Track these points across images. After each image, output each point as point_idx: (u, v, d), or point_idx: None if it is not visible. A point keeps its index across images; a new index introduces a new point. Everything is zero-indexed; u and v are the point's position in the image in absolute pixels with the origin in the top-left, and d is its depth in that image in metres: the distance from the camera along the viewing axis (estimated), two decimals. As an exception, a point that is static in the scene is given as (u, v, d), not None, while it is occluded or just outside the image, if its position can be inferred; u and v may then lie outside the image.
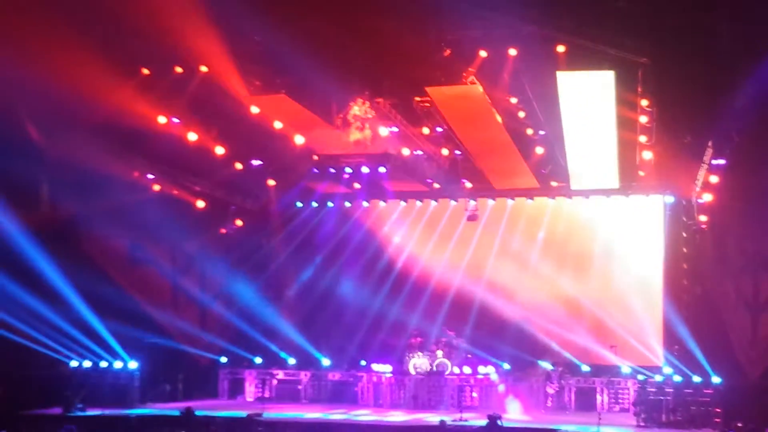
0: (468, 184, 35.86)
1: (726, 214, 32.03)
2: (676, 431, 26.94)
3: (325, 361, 36.08)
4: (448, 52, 26.40)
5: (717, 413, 28.43)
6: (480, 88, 26.74)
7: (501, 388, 32.67)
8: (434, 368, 33.43)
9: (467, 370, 33.33)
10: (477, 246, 36.08)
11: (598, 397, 32.33)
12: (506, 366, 33.47)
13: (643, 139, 29.67)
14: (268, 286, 38.22)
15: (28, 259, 29.70)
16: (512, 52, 26.05)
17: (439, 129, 31.82)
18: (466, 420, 28.63)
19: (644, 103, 27.95)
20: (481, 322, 34.86)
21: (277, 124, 30.99)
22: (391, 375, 33.99)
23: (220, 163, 34.08)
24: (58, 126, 27.98)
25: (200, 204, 36.32)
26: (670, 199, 33.69)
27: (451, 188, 36.14)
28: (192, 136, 31.65)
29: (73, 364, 32.81)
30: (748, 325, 32.70)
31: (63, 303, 31.19)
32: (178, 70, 28.13)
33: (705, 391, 29.03)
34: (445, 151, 33.81)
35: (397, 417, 30.46)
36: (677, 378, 29.58)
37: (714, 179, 30.54)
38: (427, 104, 29.55)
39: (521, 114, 29.72)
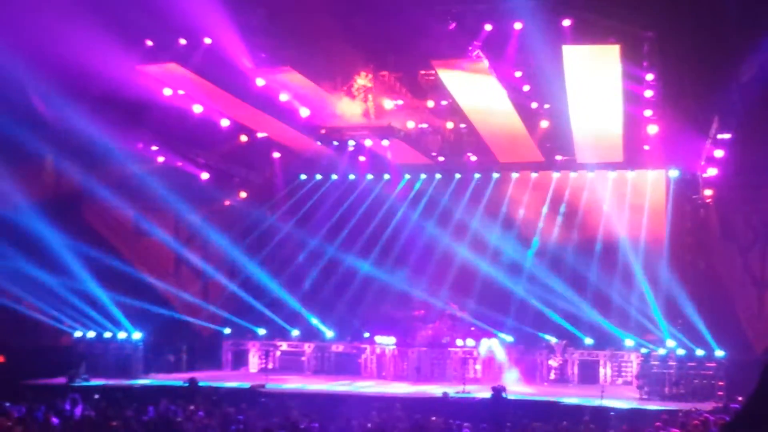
0: (472, 157, 35.82)
1: (732, 189, 32.00)
2: (679, 404, 26.91)
3: (329, 333, 36.14)
4: (453, 25, 26.30)
5: (720, 386, 28.51)
6: (485, 62, 26.64)
7: (501, 358, 32.82)
8: None
9: (470, 342, 33.40)
10: (481, 219, 36.02)
11: (601, 370, 32.42)
12: (510, 339, 33.51)
13: (648, 113, 29.58)
14: (272, 258, 38.27)
15: (32, 231, 29.74)
16: (518, 25, 25.94)
17: (444, 102, 31.77)
18: (469, 392, 28.74)
19: (650, 77, 27.82)
20: (485, 295, 34.83)
21: (283, 97, 30.93)
22: (394, 347, 34.09)
23: (225, 135, 34.12)
24: (63, 98, 27.95)
25: (204, 176, 36.41)
26: (674, 173, 33.64)
27: (456, 161, 36.08)
28: (197, 109, 31.66)
29: (78, 334, 32.92)
30: (755, 300, 32.72)
31: (67, 274, 31.26)
32: (183, 41, 28.06)
33: (708, 364, 29.13)
34: (449, 125, 33.77)
35: (400, 388, 30.57)
36: (680, 351, 29.62)
37: (719, 153, 30.46)
38: (432, 77, 29.49)
39: (526, 88, 29.66)
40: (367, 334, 35.25)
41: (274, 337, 36.19)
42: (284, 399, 27.45)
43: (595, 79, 26.66)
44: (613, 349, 32.69)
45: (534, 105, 30.94)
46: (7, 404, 22.96)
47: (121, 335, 33.00)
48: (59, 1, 23.40)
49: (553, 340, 33.14)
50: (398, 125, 32.36)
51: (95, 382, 30.46)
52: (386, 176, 37.66)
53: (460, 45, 26.34)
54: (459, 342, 33.54)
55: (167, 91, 30.52)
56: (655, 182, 34.31)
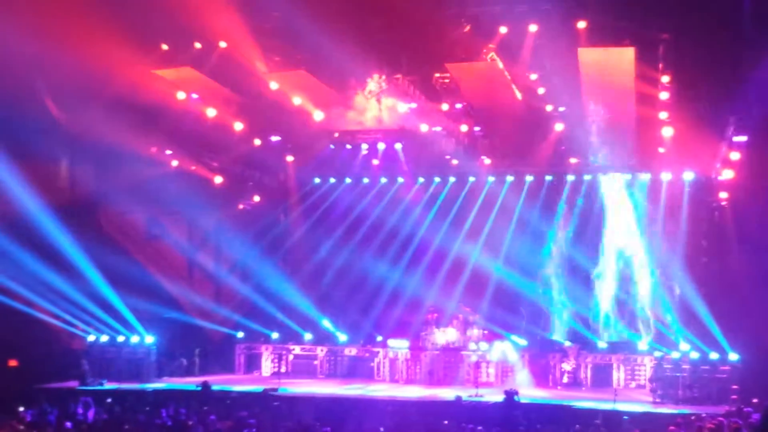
0: (486, 161, 35.77)
1: (747, 192, 31.76)
2: (693, 407, 26.80)
3: (342, 337, 36.09)
4: (468, 28, 26.29)
5: (734, 390, 28.33)
6: (500, 64, 26.62)
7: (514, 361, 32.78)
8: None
9: (483, 346, 33.31)
10: (494, 222, 35.93)
11: (615, 374, 32.26)
12: (523, 342, 33.41)
13: (663, 115, 29.47)
14: (285, 262, 38.31)
15: (46, 234, 29.81)
16: (532, 28, 25.91)
17: (458, 105, 31.69)
18: (482, 396, 28.67)
19: (665, 79, 27.75)
20: (498, 298, 34.78)
21: (296, 100, 30.99)
22: (407, 350, 34.03)
23: (238, 138, 34.16)
24: (77, 102, 28.03)
25: (218, 179, 36.47)
26: (690, 176, 33.48)
27: (470, 164, 36.01)
28: (211, 112, 31.71)
29: (91, 338, 32.94)
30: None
31: (81, 278, 31.31)
32: (197, 45, 28.11)
33: (722, 367, 28.96)
34: (464, 128, 33.69)
35: (413, 392, 30.47)
36: (694, 355, 29.49)
37: (735, 156, 30.31)
38: (447, 80, 29.45)
39: (541, 90, 29.57)
40: (380, 338, 35.21)
41: (286, 341, 36.11)
42: (297, 403, 27.44)
43: (610, 82, 26.60)
44: (626, 353, 32.56)
45: (549, 108, 30.85)
46: (21, 408, 23.03)
47: (134, 339, 33.01)
48: (72, 4, 23.43)
49: (566, 343, 33.04)
50: (412, 128, 32.38)
51: (108, 386, 30.47)
52: (400, 179, 37.61)
53: (474, 47, 26.32)
54: (472, 345, 33.46)
55: (181, 95, 30.58)
56: (670, 185, 34.14)
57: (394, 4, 24.52)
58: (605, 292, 34.09)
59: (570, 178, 35.67)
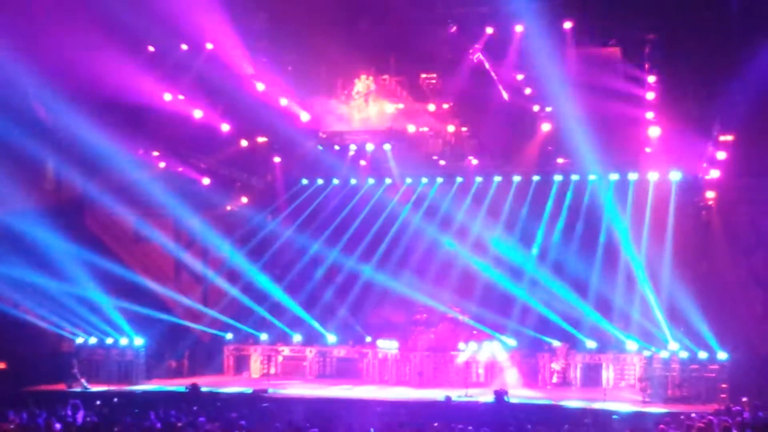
0: (474, 161, 35.78)
1: (734, 191, 31.88)
2: (682, 406, 26.86)
3: (331, 338, 36.05)
4: (454, 28, 26.36)
5: (723, 389, 28.43)
6: (486, 65, 26.68)
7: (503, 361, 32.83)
8: None
9: (473, 346, 33.32)
10: (483, 222, 35.96)
11: (604, 373, 32.30)
12: (512, 343, 33.43)
13: (650, 115, 29.53)
14: (274, 263, 38.21)
15: (33, 237, 29.75)
16: (519, 28, 25.98)
17: (445, 105, 31.73)
18: (471, 396, 28.70)
19: (651, 79, 27.83)
20: (487, 298, 34.79)
21: (283, 101, 30.98)
22: (396, 351, 34.03)
23: (225, 140, 34.12)
24: (64, 103, 27.97)
25: (205, 181, 36.39)
26: (676, 175, 33.50)
27: (457, 165, 36.03)
28: (197, 114, 31.66)
29: (79, 340, 32.87)
30: (758, 301, 32.55)
31: (69, 280, 31.26)
32: (184, 47, 28.09)
33: (711, 366, 29.05)
34: (451, 128, 33.71)
35: (402, 393, 30.48)
36: (683, 354, 29.56)
37: (721, 155, 30.39)
38: (434, 81, 29.49)
39: (528, 90, 29.61)
40: (369, 339, 35.20)
41: (275, 342, 36.09)
42: (286, 404, 27.41)
43: (596, 82, 26.66)
44: (615, 352, 32.60)
45: (536, 108, 30.88)
46: (10, 411, 22.95)
47: (123, 341, 32.95)
48: (60, 7, 23.40)
49: (555, 343, 33.06)
50: (399, 129, 32.38)
51: (96, 388, 30.40)
52: (388, 180, 37.58)
53: (461, 48, 26.38)
54: (461, 346, 33.48)
55: (168, 97, 30.52)
56: (656, 184, 34.17)
57: (381, 6, 24.59)
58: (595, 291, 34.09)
59: (557, 178, 35.71)
